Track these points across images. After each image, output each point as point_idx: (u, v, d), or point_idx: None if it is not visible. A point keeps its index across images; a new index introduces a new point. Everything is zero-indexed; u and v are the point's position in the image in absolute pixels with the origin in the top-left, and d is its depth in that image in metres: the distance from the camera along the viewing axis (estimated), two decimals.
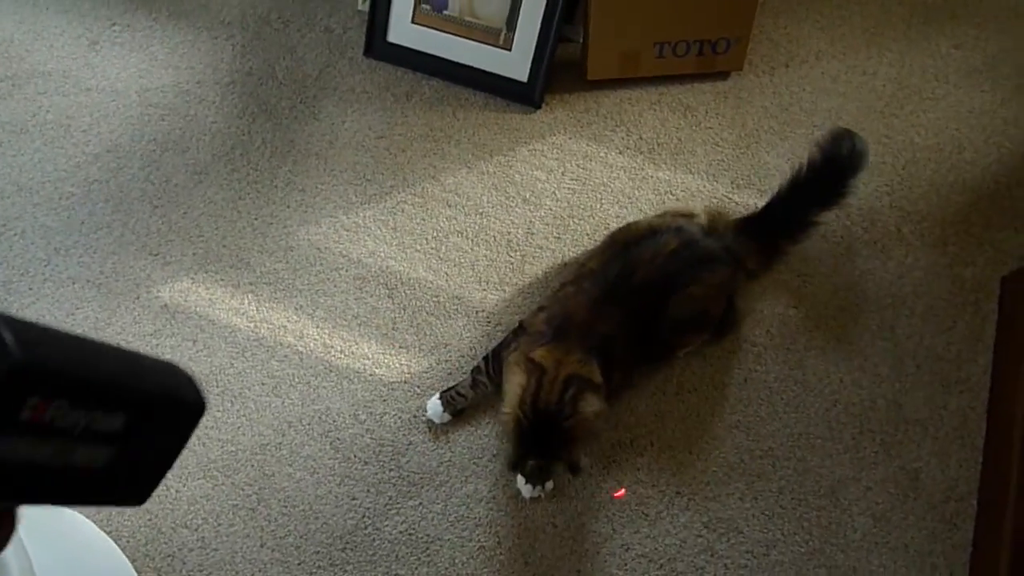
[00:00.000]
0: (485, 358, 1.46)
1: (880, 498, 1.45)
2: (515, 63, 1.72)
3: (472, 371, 1.47)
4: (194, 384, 0.69)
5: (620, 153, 1.71)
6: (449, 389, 1.47)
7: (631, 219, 1.61)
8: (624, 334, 1.36)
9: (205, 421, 1.50)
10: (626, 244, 1.43)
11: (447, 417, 1.46)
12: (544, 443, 1.31)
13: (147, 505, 1.47)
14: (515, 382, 1.32)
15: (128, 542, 1.42)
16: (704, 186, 1.68)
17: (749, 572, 1.41)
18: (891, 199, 1.68)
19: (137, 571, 1.40)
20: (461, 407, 1.47)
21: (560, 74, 1.77)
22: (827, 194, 1.48)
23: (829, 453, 1.48)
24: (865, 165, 1.46)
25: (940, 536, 1.43)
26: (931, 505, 1.45)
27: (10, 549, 0.99)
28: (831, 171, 1.46)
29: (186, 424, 0.68)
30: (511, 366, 1.35)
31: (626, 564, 1.41)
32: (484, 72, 1.74)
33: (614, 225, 1.63)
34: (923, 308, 1.59)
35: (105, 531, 1.42)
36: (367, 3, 1.76)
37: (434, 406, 1.46)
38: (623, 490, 1.44)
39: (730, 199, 1.67)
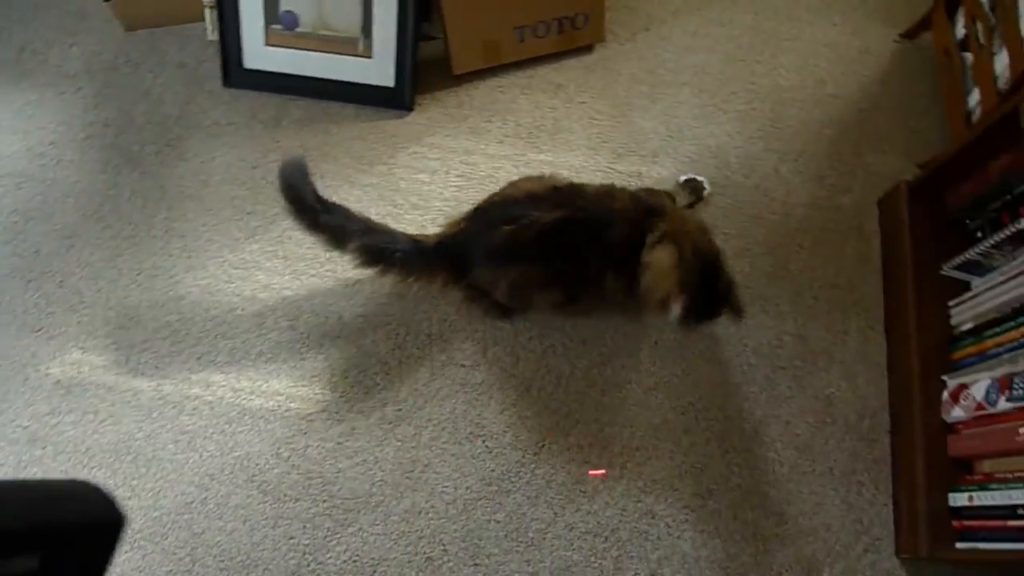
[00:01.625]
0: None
1: (800, 429, 1.51)
2: (378, 69, 1.69)
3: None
4: (108, 499, 0.65)
5: (500, 142, 1.71)
6: None
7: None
8: None
9: (122, 492, 1.44)
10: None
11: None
12: (711, 297, 1.31)
13: None
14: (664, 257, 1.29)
15: None
16: (587, 161, 1.70)
17: (690, 525, 1.44)
18: (765, 143, 1.73)
19: None
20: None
21: (428, 73, 1.75)
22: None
23: (746, 396, 1.53)
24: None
25: (861, 454, 1.50)
26: (848, 426, 1.52)
27: None
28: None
29: (107, 544, 0.64)
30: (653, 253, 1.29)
31: (572, 544, 1.42)
32: (349, 83, 1.70)
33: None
34: (811, 241, 1.65)
35: None
36: (216, 32, 1.70)
37: None
38: (603, 471, 1.46)
39: (613, 169, 1.69)
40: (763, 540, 1.44)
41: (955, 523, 1.35)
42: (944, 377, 1.45)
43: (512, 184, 1.43)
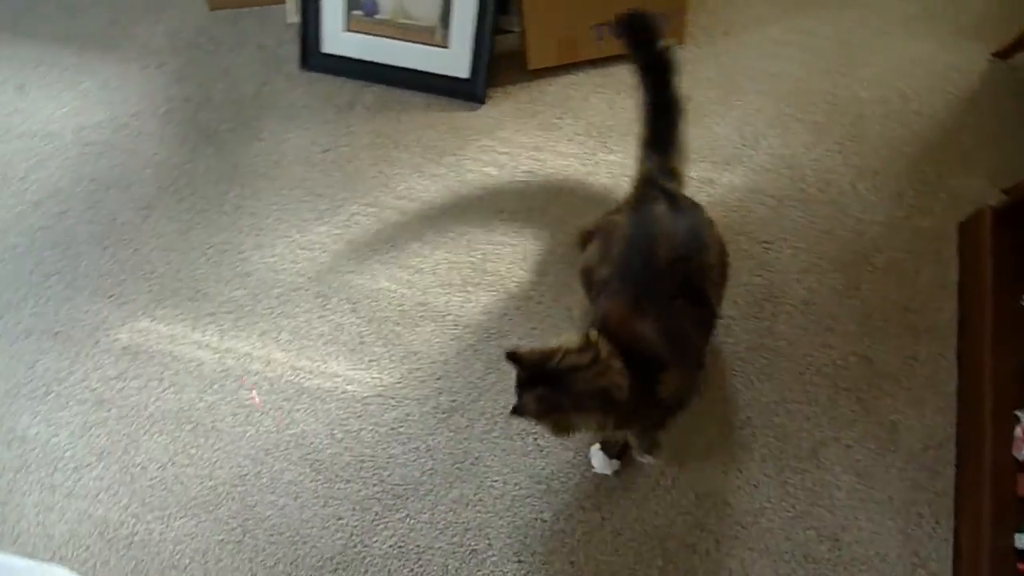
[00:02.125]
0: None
1: (861, 455, 1.47)
2: (454, 60, 1.69)
3: None
4: None
5: (570, 140, 1.70)
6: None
7: (588, 207, 1.60)
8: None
9: (180, 459, 1.48)
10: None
11: (616, 464, 1.44)
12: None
13: (132, 552, 1.45)
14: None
15: None
16: None
17: (740, 543, 1.41)
18: (843, 157, 1.68)
19: None
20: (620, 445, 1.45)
21: (502, 66, 1.75)
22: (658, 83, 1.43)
23: (807, 416, 1.49)
24: (659, 27, 1.42)
25: (923, 485, 1.45)
26: (911, 455, 1.47)
27: None
28: (648, 61, 1.43)
29: None
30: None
31: (617, 550, 1.41)
32: (424, 73, 1.71)
33: (572, 215, 1.63)
34: (885, 262, 1.60)
35: None
36: (298, 15, 1.73)
37: (598, 457, 1.44)
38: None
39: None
40: (814, 564, 1.40)
41: (1020, 565, 1.30)
42: (1017, 412, 1.39)
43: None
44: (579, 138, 1.70)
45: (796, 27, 1.81)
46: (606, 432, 1.37)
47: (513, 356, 1.18)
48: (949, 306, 1.57)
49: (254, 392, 1.38)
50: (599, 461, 1.43)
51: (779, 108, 1.73)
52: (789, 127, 1.71)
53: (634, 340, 1.23)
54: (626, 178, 1.66)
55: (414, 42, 1.69)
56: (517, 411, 1.18)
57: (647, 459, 1.46)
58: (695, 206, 1.36)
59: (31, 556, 1.42)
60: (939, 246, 1.60)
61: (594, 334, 1.21)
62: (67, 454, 1.49)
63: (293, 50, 1.77)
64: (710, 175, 1.64)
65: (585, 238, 1.48)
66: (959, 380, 1.52)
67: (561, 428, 1.22)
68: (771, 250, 1.60)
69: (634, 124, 1.71)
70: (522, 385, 1.21)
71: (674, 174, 1.39)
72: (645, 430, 1.44)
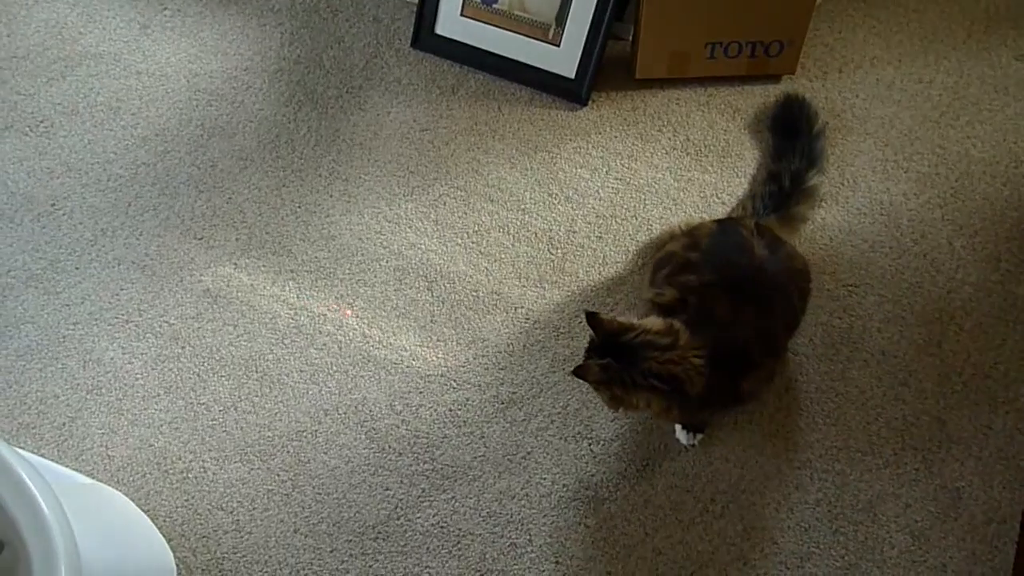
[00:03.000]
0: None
1: (919, 516, 1.42)
2: (563, 59, 1.70)
3: None
4: None
5: (666, 154, 1.69)
6: None
7: (675, 221, 1.59)
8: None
9: (243, 405, 1.52)
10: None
11: (700, 437, 1.46)
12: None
13: (184, 486, 1.50)
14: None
15: (165, 521, 1.44)
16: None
17: None
18: (943, 211, 1.64)
19: (172, 550, 1.42)
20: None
21: (608, 72, 1.75)
22: (802, 154, 1.56)
23: (868, 468, 1.46)
24: (816, 120, 1.61)
25: (980, 558, 1.40)
26: (972, 526, 1.42)
27: (54, 520, 1.01)
28: (791, 133, 1.60)
29: None
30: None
31: (657, 569, 1.40)
32: (531, 67, 1.73)
33: (657, 227, 1.62)
34: (972, 324, 1.55)
35: (143, 509, 1.44)
36: None
37: (681, 433, 1.46)
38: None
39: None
40: None
41: None
42: None
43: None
44: (675, 153, 1.69)
45: (912, 74, 1.77)
46: (663, 417, 1.36)
47: (592, 318, 1.19)
48: None
49: (348, 312, 1.43)
50: (683, 436, 1.45)
51: (884, 153, 1.69)
52: (891, 173, 1.67)
53: (725, 331, 1.23)
54: (717, 200, 1.65)
55: (527, 36, 1.70)
56: (579, 372, 1.19)
57: (690, 439, 1.44)
58: (778, 236, 1.39)
59: (90, 475, 1.47)
60: None
61: (678, 323, 1.22)
62: (138, 382, 1.54)
63: (406, 27, 1.81)
64: (804, 210, 1.61)
65: (664, 240, 1.50)
66: None
67: (617, 401, 1.23)
68: (855, 294, 1.57)
69: (733, 147, 1.70)
70: (592, 349, 1.22)
71: (774, 234, 1.40)
72: (708, 416, 1.42)
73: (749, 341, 1.26)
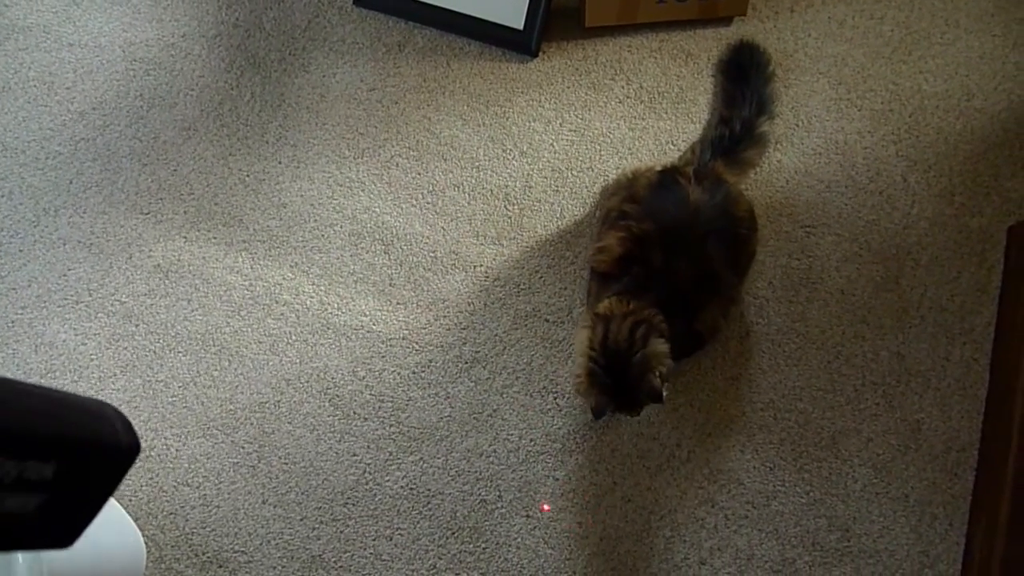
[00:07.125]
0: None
1: (881, 449, 1.45)
2: (511, 10, 1.66)
3: None
4: (126, 424, 0.66)
5: (620, 103, 1.66)
6: None
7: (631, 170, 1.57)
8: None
9: (203, 380, 1.49)
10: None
11: (668, 387, 1.42)
12: (621, 388, 1.24)
13: (148, 464, 1.47)
14: (582, 337, 1.28)
15: (131, 500, 1.42)
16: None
17: (749, 523, 1.41)
18: (897, 148, 1.64)
19: (140, 528, 1.40)
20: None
21: (557, 22, 1.71)
22: (753, 100, 1.56)
23: (830, 405, 1.48)
24: (767, 67, 1.61)
25: (940, 486, 1.44)
26: (932, 456, 1.45)
27: None
28: (742, 79, 1.59)
29: (118, 467, 0.64)
30: (578, 329, 1.33)
31: (627, 516, 1.41)
32: (479, 20, 1.68)
33: (613, 177, 1.60)
34: (928, 259, 1.56)
35: None
36: None
37: None
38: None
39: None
40: (821, 551, 1.40)
41: None
42: None
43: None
44: (629, 101, 1.66)
45: (864, 10, 1.75)
46: None
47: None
48: (988, 310, 1.54)
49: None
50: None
51: (837, 92, 1.68)
52: (845, 112, 1.66)
53: (665, 280, 1.28)
54: (672, 146, 1.64)
55: None
56: (598, 416, 1.28)
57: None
58: (721, 179, 1.39)
59: None
60: (985, 248, 1.56)
61: (604, 304, 1.25)
62: (93, 363, 1.51)
63: None
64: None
65: (608, 193, 1.50)
66: (989, 386, 1.49)
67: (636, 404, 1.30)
68: (812, 235, 1.57)
69: (687, 92, 1.68)
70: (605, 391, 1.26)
71: (717, 178, 1.39)
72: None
73: (687, 285, 1.28)
